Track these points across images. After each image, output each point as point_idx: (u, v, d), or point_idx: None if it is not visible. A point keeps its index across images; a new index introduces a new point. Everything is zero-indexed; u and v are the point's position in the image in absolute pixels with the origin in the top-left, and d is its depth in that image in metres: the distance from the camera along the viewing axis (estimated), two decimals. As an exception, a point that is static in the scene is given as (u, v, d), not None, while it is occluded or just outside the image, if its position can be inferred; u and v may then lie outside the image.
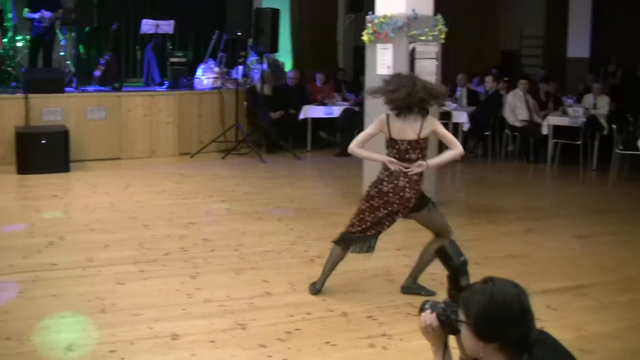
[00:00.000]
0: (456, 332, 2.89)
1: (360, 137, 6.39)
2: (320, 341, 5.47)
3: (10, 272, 6.95)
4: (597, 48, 18.59)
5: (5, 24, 14.33)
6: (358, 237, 6.36)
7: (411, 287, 6.51)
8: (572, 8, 18.63)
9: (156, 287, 6.61)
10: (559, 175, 13.03)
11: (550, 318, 5.90)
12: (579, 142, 13.10)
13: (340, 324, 5.84)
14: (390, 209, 6.23)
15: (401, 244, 7.19)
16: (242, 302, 6.24)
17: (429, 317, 2.98)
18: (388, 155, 6.26)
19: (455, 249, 3.19)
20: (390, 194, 6.18)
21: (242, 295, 6.40)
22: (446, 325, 2.94)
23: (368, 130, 6.36)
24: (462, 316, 2.79)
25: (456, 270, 3.13)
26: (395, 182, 6.18)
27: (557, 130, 13.52)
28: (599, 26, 18.45)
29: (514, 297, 2.70)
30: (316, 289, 6.52)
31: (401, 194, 6.19)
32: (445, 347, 3.01)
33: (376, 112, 6.68)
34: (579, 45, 18.62)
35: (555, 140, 13.51)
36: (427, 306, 3.01)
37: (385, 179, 6.21)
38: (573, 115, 13.45)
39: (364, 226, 6.30)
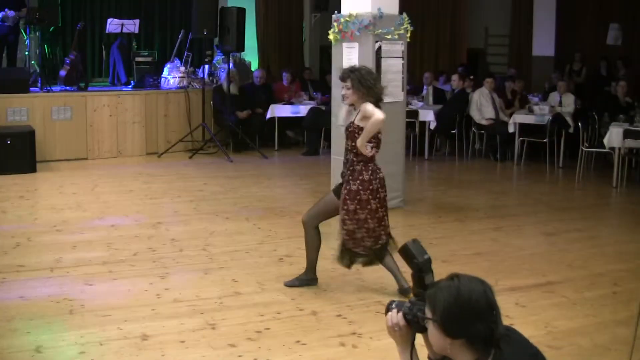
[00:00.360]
0: (423, 330, 2.90)
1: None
2: (290, 340, 5.48)
3: (-24, 274, 6.88)
4: (562, 46, 18.73)
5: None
6: (378, 248, 6.32)
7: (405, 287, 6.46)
8: (537, 6, 18.75)
9: (125, 288, 6.58)
10: (525, 173, 13.12)
11: (518, 315, 5.97)
12: (545, 140, 13.18)
13: (310, 323, 5.85)
14: (385, 203, 6.31)
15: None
16: (211, 302, 6.23)
17: (396, 316, 2.99)
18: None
19: (419, 247, 3.21)
20: (380, 189, 6.25)
21: (212, 295, 6.39)
22: (413, 324, 2.95)
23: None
24: (428, 313, 2.81)
25: (420, 268, 3.15)
26: (379, 176, 6.25)
27: (523, 128, 13.61)
28: (564, 24, 18.59)
29: (480, 293, 2.72)
30: (314, 279, 6.58)
31: (384, 184, 6.30)
32: (412, 346, 3.03)
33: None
34: (544, 43, 18.74)
35: (521, 138, 13.59)
36: (393, 306, 3.02)
37: (372, 176, 6.21)
38: (539, 113, 13.55)
39: (375, 235, 6.27)
